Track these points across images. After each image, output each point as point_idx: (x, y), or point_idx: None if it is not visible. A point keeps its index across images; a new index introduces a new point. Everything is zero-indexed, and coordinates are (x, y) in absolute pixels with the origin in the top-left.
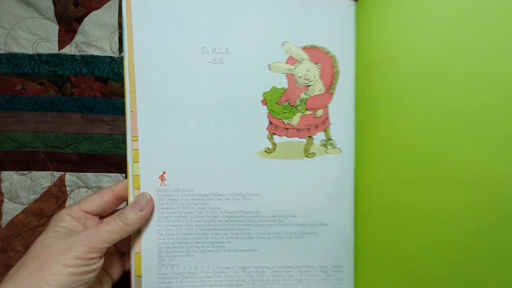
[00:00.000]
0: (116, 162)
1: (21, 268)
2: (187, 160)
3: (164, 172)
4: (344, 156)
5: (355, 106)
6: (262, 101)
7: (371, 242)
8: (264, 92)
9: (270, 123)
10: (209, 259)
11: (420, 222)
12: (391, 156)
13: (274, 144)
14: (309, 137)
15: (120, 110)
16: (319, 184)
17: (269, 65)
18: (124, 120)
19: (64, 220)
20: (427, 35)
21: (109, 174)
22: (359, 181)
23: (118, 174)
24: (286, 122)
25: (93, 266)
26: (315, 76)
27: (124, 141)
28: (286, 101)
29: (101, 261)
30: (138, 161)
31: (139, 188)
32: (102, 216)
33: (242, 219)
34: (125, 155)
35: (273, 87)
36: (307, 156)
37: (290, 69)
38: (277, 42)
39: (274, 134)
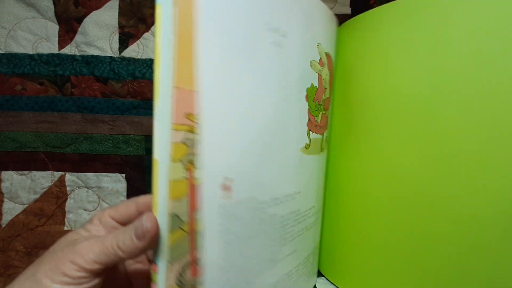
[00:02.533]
0: (116, 162)
1: (30, 268)
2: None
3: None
4: None
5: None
6: (305, 96)
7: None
8: (308, 88)
9: (309, 119)
10: (265, 280)
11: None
12: (364, 159)
13: (310, 140)
14: (322, 134)
15: (120, 110)
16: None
17: (310, 62)
18: (124, 120)
19: (93, 222)
20: (406, 78)
21: (109, 174)
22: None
23: (118, 174)
24: (315, 120)
25: (84, 286)
26: (328, 81)
27: (124, 141)
28: (316, 100)
29: (96, 281)
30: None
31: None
32: None
33: (290, 222)
34: (125, 155)
35: (312, 84)
36: (321, 151)
37: (320, 70)
38: (315, 41)
39: (310, 130)
